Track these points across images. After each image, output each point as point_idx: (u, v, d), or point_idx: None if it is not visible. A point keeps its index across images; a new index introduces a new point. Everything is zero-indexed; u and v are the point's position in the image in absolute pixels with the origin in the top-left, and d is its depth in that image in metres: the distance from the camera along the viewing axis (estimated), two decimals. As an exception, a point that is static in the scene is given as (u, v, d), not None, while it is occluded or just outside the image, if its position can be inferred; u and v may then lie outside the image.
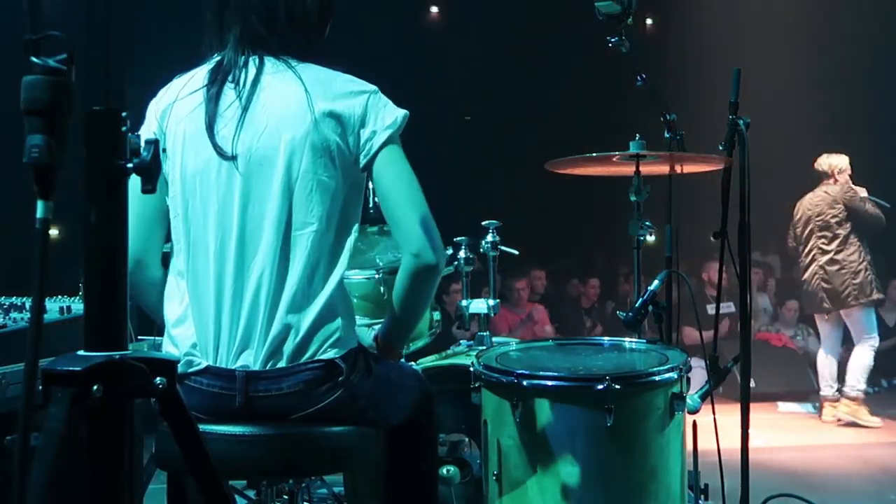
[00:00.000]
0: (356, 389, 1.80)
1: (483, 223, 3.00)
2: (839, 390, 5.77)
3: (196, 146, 1.80)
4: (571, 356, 2.32)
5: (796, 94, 8.06)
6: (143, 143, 1.16)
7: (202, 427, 1.50)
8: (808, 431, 5.60)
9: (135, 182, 1.16)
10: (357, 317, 1.94)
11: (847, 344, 5.99)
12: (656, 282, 2.54)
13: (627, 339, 2.45)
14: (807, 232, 5.81)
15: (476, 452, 2.56)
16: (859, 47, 8.11)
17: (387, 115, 1.82)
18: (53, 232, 1.05)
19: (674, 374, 2.06)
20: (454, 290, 6.16)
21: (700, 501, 2.69)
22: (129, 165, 1.14)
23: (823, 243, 5.72)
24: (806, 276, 5.81)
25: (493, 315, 2.99)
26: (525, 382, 2.01)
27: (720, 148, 2.69)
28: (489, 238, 2.98)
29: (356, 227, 1.87)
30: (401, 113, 1.84)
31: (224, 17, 1.85)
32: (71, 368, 1.09)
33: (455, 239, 2.94)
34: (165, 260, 1.91)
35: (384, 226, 1.86)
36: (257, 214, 1.77)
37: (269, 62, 1.83)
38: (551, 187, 6.50)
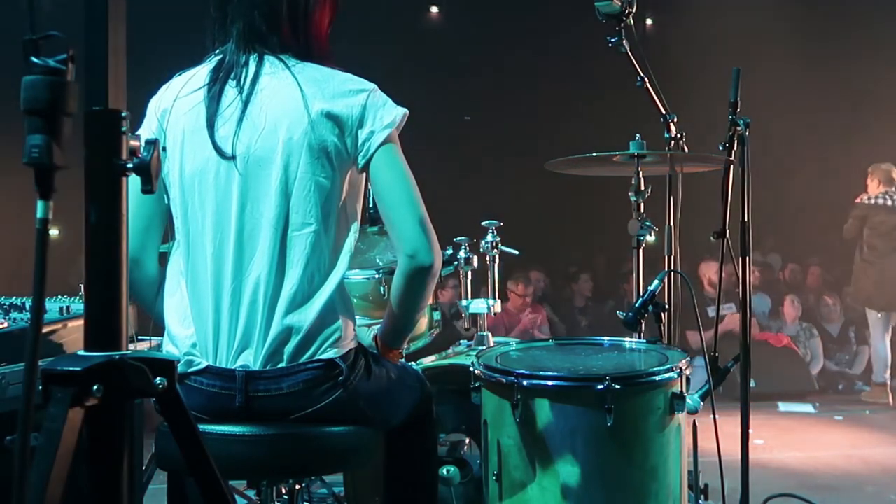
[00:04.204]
0: (356, 389, 1.80)
1: (483, 223, 3.00)
2: None
3: (195, 145, 1.79)
4: (571, 356, 2.32)
5: (796, 94, 8.06)
6: (143, 143, 1.16)
7: (202, 427, 1.50)
8: (808, 431, 5.60)
9: (133, 182, 1.16)
10: (357, 317, 1.94)
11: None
12: (656, 282, 2.54)
13: (627, 339, 2.45)
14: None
15: (476, 452, 2.56)
16: (859, 46, 8.10)
17: (385, 115, 1.81)
18: (53, 232, 1.05)
19: (674, 374, 2.06)
20: (449, 287, 6.14)
21: (700, 501, 2.69)
22: (129, 165, 1.14)
23: None
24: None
25: (493, 315, 2.99)
26: (525, 382, 2.00)
27: (720, 148, 2.68)
28: (489, 238, 2.98)
29: (356, 227, 1.87)
30: (400, 111, 1.83)
31: (227, 12, 1.85)
32: (71, 368, 1.08)
33: (455, 239, 2.94)
34: (163, 260, 1.91)
35: (384, 225, 1.86)
36: (255, 215, 1.76)
37: (268, 61, 1.82)
38: (551, 187, 6.50)
